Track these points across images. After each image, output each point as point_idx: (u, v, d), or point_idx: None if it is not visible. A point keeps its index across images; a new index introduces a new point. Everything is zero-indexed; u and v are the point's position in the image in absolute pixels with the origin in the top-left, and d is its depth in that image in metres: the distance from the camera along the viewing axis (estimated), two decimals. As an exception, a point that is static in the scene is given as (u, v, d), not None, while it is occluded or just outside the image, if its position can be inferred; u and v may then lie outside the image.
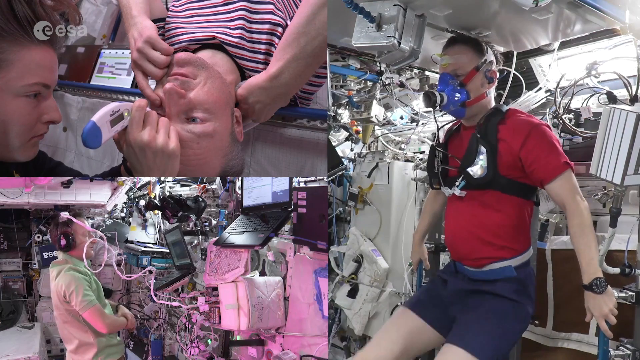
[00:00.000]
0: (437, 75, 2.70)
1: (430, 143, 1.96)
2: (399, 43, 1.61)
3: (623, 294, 1.57)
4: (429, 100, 1.68)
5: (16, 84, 1.33)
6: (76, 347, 2.86)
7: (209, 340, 2.44)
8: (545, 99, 2.33)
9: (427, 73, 2.73)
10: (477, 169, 1.66)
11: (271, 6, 1.69)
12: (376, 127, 3.25)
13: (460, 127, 1.85)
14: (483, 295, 1.67)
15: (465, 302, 1.70)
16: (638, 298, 1.57)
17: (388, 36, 1.59)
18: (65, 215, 2.55)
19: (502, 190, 1.65)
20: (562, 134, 2.16)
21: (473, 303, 1.67)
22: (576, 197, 1.55)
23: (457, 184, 1.71)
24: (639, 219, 1.64)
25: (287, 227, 2.29)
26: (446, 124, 1.98)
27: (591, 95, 2.12)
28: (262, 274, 2.45)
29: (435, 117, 1.90)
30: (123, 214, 3.80)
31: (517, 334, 1.68)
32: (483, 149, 1.65)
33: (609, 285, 1.47)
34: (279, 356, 2.03)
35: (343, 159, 2.75)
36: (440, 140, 1.89)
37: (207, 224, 2.95)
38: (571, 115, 2.19)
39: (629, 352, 1.58)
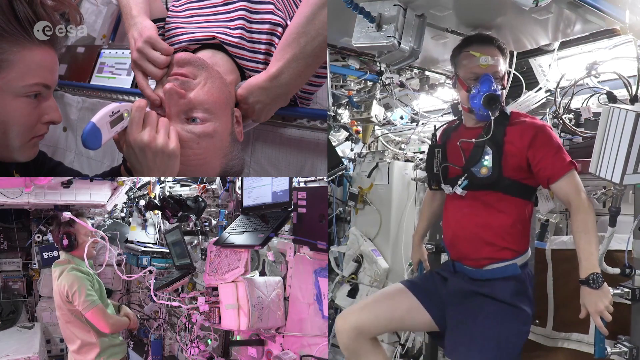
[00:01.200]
0: (437, 75, 2.72)
1: (429, 143, 1.95)
2: (399, 43, 1.61)
3: (619, 291, 1.57)
4: (496, 104, 1.63)
5: (17, 84, 1.33)
6: (79, 347, 2.86)
7: (209, 340, 2.44)
8: (545, 99, 2.33)
9: (427, 73, 2.73)
10: (481, 169, 1.66)
11: (271, 6, 1.69)
12: (376, 127, 3.25)
13: (460, 127, 1.85)
14: (482, 299, 1.67)
15: (463, 305, 1.70)
16: (634, 295, 1.56)
17: (388, 36, 1.59)
18: (67, 215, 2.55)
19: (504, 191, 1.66)
20: (562, 134, 2.16)
21: (471, 308, 1.67)
22: (581, 194, 1.57)
23: (459, 183, 1.71)
24: (636, 218, 1.64)
25: (287, 227, 2.29)
26: (443, 125, 1.97)
27: (591, 95, 2.12)
28: (262, 274, 2.45)
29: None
30: (123, 214, 3.80)
31: (520, 337, 1.68)
32: (489, 150, 1.66)
33: (605, 282, 1.47)
34: (279, 356, 2.03)
35: (343, 159, 2.75)
36: (437, 141, 1.89)
37: (207, 224, 2.95)
38: (571, 115, 2.19)
39: (625, 349, 1.58)
